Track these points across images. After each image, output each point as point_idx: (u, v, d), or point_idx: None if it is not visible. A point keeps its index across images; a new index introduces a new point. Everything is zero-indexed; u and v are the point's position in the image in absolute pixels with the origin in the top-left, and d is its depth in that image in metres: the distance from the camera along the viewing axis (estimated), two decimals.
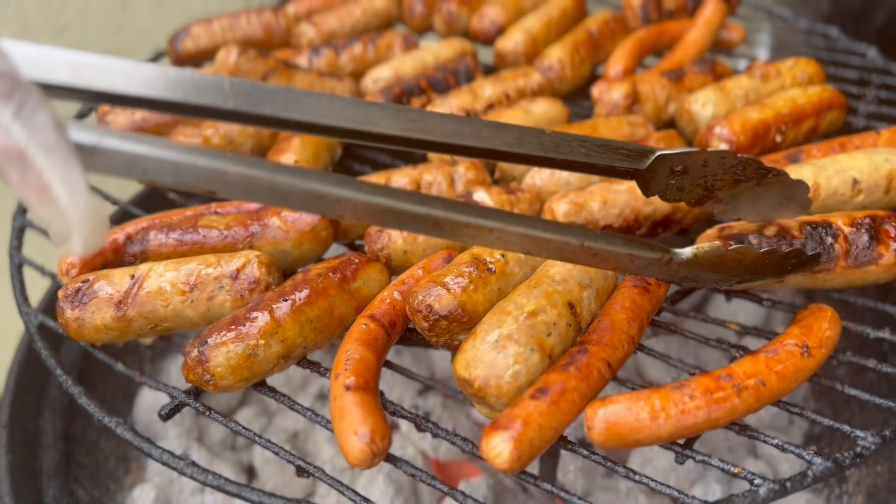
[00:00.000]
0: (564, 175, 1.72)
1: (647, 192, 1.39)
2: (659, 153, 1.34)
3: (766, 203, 1.44)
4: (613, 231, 1.65)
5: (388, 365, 1.46)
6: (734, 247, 1.32)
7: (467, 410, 2.17)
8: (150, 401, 2.27)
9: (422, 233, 1.19)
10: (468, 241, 1.20)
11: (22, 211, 1.87)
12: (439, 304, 1.36)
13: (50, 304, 1.94)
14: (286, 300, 1.39)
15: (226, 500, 2.10)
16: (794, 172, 1.56)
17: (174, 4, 3.01)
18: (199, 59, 2.34)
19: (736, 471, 1.23)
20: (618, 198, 1.64)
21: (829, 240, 1.48)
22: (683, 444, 1.29)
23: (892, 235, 1.49)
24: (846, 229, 1.49)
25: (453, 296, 1.36)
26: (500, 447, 1.17)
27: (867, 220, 1.50)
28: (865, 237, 1.48)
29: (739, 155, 1.38)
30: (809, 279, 1.49)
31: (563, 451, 2.01)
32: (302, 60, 2.18)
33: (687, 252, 1.31)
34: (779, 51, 3.75)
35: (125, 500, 2.10)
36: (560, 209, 1.63)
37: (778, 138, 1.85)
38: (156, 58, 2.47)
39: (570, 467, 2.05)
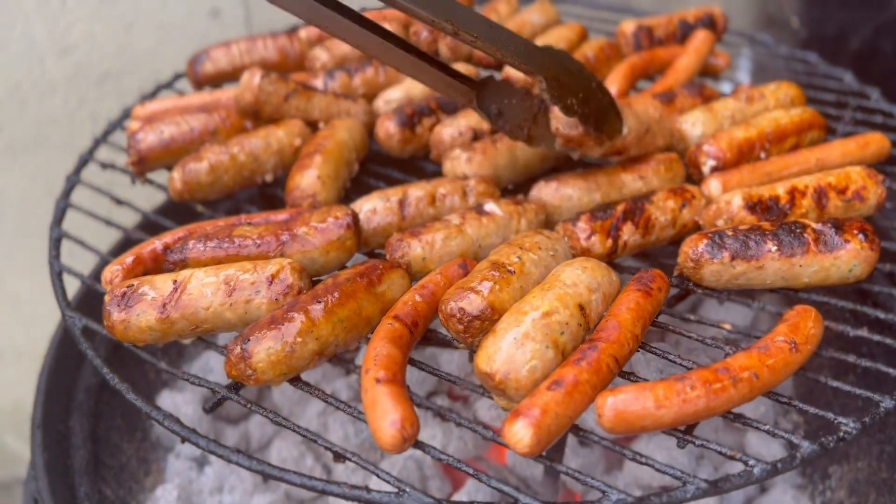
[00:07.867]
0: (569, 191, 1.86)
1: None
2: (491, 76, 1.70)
3: (548, 129, 1.72)
4: None
5: (412, 362, 1.58)
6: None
7: (473, 412, 2.30)
8: (168, 405, 2.37)
9: None
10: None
11: (57, 222, 1.98)
12: (471, 306, 1.49)
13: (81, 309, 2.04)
14: (320, 302, 1.51)
15: (243, 499, 2.20)
16: None
17: (176, 27, 3.13)
18: (217, 80, 2.46)
19: (731, 453, 1.36)
20: None
21: (798, 230, 1.65)
22: (684, 431, 1.42)
23: (856, 227, 1.66)
24: (813, 224, 1.67)
25: (482, 297, 1.50)
26: (521, 433, 1.30)
27: (831, 221, 1.68)
28: (832, 229, 1.65)
29: (517, 87, 1.68)
30: (787, 265, 1.63)
31: (566, 451, 2.14)
32: (317, 83, 2.32)
33: None
34: (759, 75, 3.94)
35: (147, 499, 2.20)
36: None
37: (762, 155, 2.01)
38: (174, 79, 2.60)
39: (571, 464, 2.17)
